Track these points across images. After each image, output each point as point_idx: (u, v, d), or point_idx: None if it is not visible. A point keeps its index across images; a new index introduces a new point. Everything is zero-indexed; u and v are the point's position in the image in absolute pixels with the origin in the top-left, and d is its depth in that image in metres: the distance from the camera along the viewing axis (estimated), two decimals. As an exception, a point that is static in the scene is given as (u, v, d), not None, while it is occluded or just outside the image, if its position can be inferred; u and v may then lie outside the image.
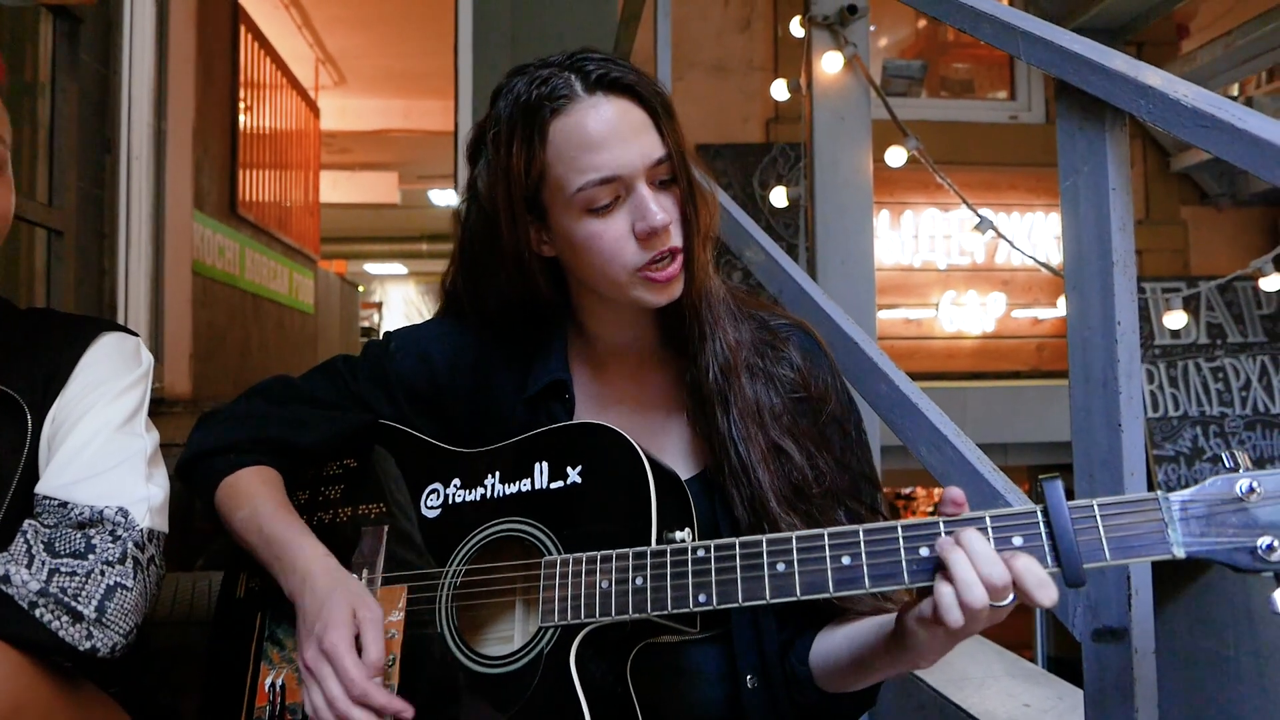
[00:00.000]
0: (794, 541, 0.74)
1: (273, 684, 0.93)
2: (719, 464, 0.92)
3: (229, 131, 4.59)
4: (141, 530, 0.81)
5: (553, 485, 0.87)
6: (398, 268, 12.73)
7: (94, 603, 0.75)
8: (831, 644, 0.90)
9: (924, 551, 0.71)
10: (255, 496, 0.93)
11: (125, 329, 0.94)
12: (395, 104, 7.80)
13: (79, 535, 0.78)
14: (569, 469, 0.87)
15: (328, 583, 0.85)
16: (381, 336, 1.07)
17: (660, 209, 0.87)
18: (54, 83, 2.34)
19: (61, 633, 0.74)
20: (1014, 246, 2.77)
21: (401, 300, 12.87)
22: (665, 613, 0.77)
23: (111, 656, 0.77)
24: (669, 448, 0.97)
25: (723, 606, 0.75)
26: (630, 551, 0.80)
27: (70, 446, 0.83)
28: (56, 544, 0.77)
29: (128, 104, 2.54)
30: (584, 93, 0.88)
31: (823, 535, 0.73)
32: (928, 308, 4.13)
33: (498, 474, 0.91)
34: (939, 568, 0.69)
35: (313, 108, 6.45)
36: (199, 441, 0.99)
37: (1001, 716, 1.71)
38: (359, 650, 0.81)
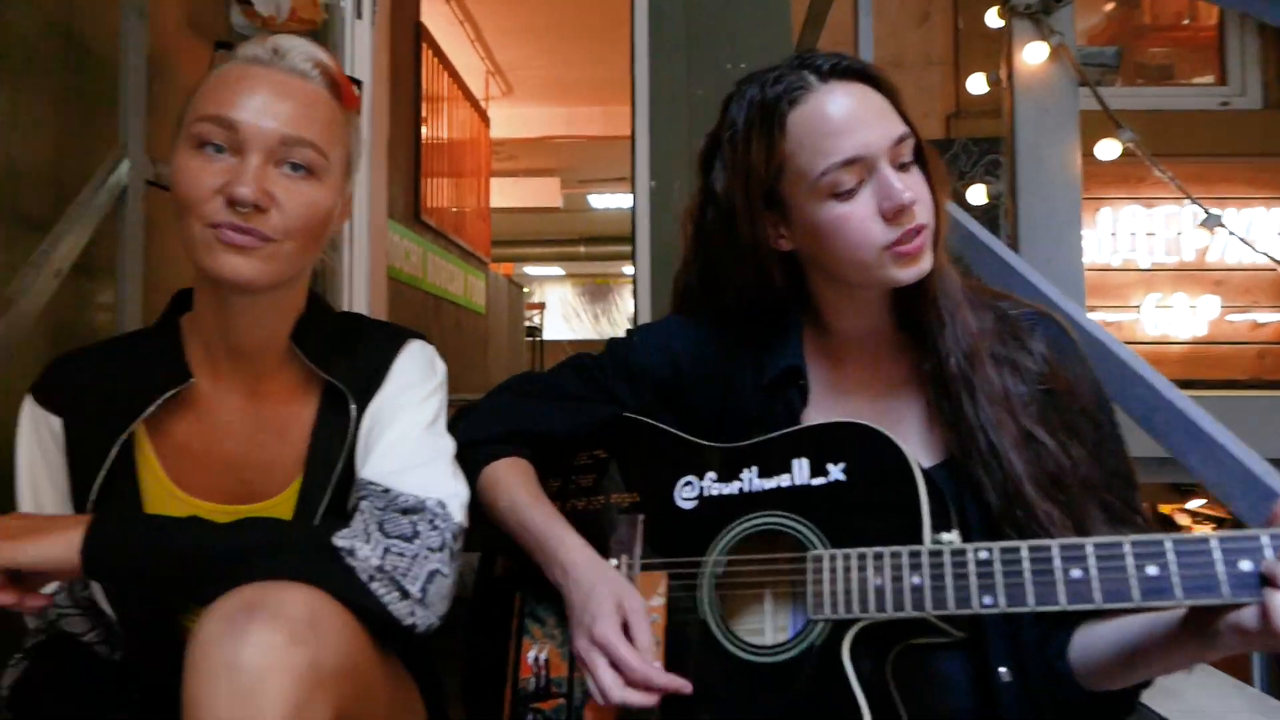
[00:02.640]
0: (1089, 548, 0.72)
1: (536, 658, 0.98)
2: (966, 451, 0.90)
3: (413, 143, 4.89)
4: (456, 523, 0.88)
5: (815, 482, 0.88)
6: (556, 270, 13.15)
7: (418, 584, 0.82)
8: (1095, 639, 0.86)
9: (1245, 565, 0.67)
10: (514, 488, 0.99)
11: (423, 337, 1.02)
12: (558, 112, 8.07)
13: (405, 520, 0.85)
14: (830, 466, 0.88)
15: (590, 575, 0.90)
16: (625, 332, 1.12)
17: (905, 186, 0.87)
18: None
19: (391, 607, 0.81)
20: (1247, 244, 2.55)
21: (559, 301, 13.29)
22: (945, 612, 0.76)
23: (425, 635, 0.84)
24: (908, 436, 0.97)
25: (1013, 610, 0.73)
26: (904, 550, 0.80)
27: (389, 440, 0.91)
28: (387, 525, 0.84)
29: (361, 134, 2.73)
30: (819, 82, 0.91)
31: (1122, 543, 0.71)
32: (1128, 310, 3.86)
33: (755, 469, 0.93)
34: (1266, 582, 0.65)
35: (484, 118, 6.77)
36: (459, 433, 1.06)
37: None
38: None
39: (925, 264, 0.90)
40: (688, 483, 0.97)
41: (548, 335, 9.74)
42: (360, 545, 0.82)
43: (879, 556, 0.81)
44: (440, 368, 1.02)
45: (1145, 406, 1.07)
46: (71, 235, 1.36)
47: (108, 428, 0.89)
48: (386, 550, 0.82)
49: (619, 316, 13.53)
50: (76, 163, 1.71)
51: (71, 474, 0.92)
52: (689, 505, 0.96)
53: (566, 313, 13.34)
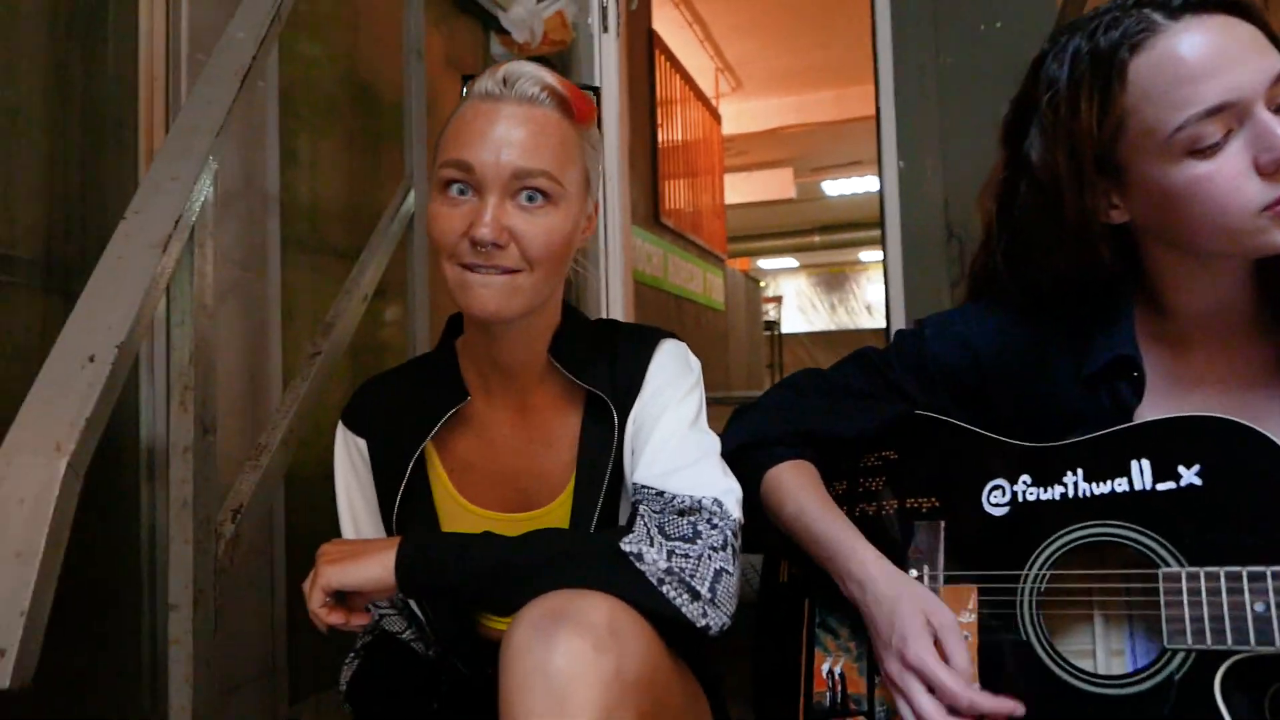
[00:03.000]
0: None
1: (830, 671, 0.93)
2: None
3: (650, 147, 5.00)
4: (734, 520, 0.86)
5: (1160, 487, 0.76)
6: (789, 262, 12.98)
7: (706, 584, 0.81)
8: None
9: None
10: (800, 493, 0.95)
11: (675, 336, 1.02)
12: (788, 101, 7.94)
13: (685, 521, 0.84)
14: (1181, 469, 0.75)
15: (892, 589, 0.84)
16: (913, 324, 1.04)
17: None
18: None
19: (684, 609, 0.80)
20: None
21: (795, 293, 13.10)
22: (1361, 649, 0.62)
23: (719, 635, 0.82)
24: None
25: None
26: (1295, 570, 0.66)
27: (655, 443, 0.91)
28: (667, 528, 0.84)
29: (602, 145, 2.85)
30: (1168, 20, 0.78)
31: None
32: None
33: (1080, 471, 0.82)
34: None
35: (715, 115, 6.80)
36: (737, 434, 1.03)
37: None
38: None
39: None
40: (997, 486, 0.88)
41: (785, 328, 9.62)
42: (646, 549, 0.81)
43: (1258, 577, 0.68)
44: (695, 364, 1.00)
45: None
46: (374, 262, 1.50)
47: (403, 447, 0.97)
48: (671, 553, 0.81)
49: (857, 305, 13.10)
50: (368, 196, 1.90)
51: (378, 492, 1.00)
52: (1000, 511, 0.87)
53: (803, 304, 13.12)
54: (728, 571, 0.83)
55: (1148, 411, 0.84)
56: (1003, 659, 0.81)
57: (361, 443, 1.01)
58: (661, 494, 0.87)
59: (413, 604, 0.99)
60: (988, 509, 0.88)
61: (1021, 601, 0.82)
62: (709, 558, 0.82)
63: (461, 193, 0.86)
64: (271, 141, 1.61)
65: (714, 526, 0.84)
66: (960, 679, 0.76)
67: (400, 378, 1.06)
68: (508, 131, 0.86)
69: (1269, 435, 0.72)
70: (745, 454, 1.01)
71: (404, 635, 1.05)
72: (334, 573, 0.83)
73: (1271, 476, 0.70)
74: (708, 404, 1.06)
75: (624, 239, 3.54)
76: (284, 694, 1.56)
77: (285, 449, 1.24)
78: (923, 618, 0.81)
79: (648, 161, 4.98)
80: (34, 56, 1.30)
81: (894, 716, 0.86)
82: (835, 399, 1.02)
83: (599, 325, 1.04)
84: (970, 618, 0.85)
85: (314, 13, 1.79)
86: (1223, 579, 0.69)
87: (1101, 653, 0.82)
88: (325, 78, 1.83)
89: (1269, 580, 0.67)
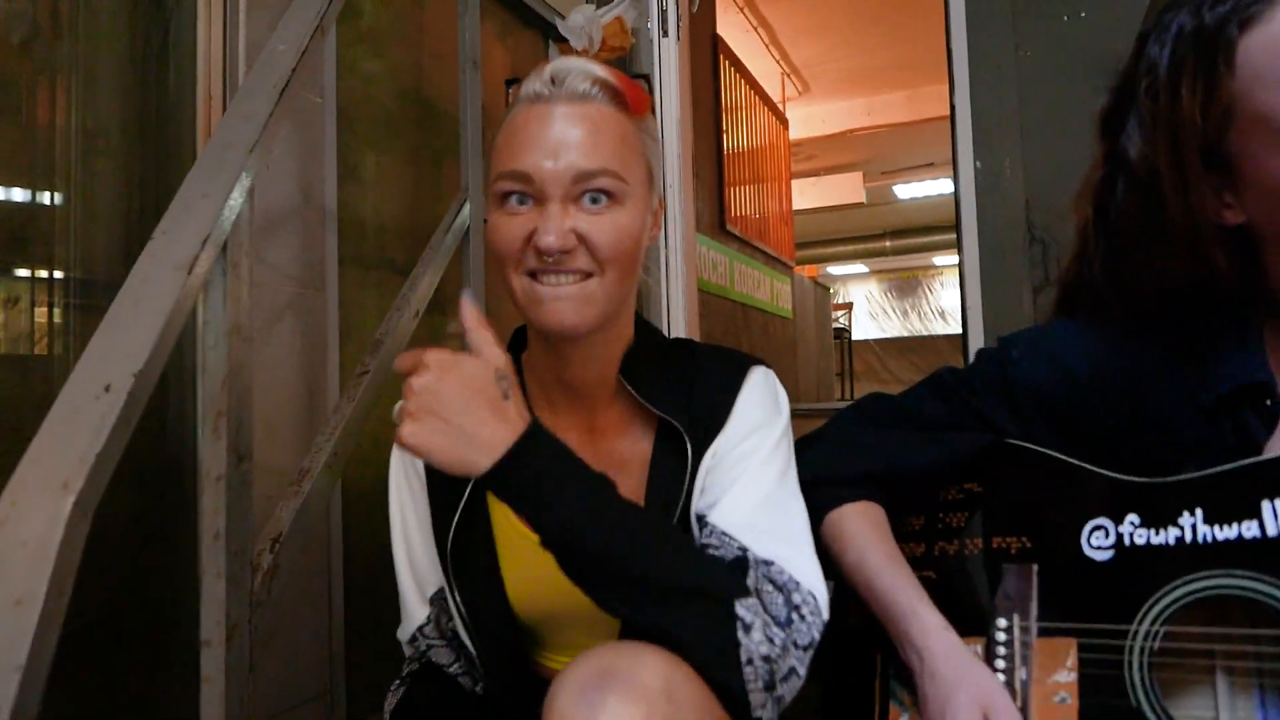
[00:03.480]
0: None
1: (909, 729, 0.84)
2: None
3: (715, 155, 4.92)
4: (823, 622, 0.76)
5: (1299, 533, 0.65)
6: (860, 268, 12.71)
7: (779, 678, 0.72)
8: None
9: None
10: (861, 541, 0.86)
11: (762, 362, 0.94)
12: (857, 104, 7.76)
13: (781, 600, 0.75)
14: (1325, 512, 0.64)
15: (951, 672, 0.75)
16: (997, 342, 0.94)
17: None
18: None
19: (752, 695, 0.71)
20: None
21: (865, 299, 12.81)
22: None
23: None
24: None
25: None
26: None
27: (740, 489, 0.82)
28: (764, 598, 0.74)
29: (660, 144, 2.80)
30: None
31: None
32: None
33: (1199, 512, 0.71)
34: None
35: (782, 120, 6.68)
36: (800, 469, 0.95)
37: None
38: None
39: None
40: (1099, 527, 0.77)
41: (856, 335, 9.40)
42: (756, 624, 0.72)
43: None
44: (784, 402, 0.91)
45: None
46: (427, 276, 1.46)
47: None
48: (768, 637, 0.72)
49: (930, 310, 12.74)
50: (428, 211, 1.88)
51: (432, 515, 0.95)
52: (1103, 556, 0.76)
53: (874, 310, 12.81)
54: (798, 674, 0.74)
55: (1279, 447, 0.72)
56: (1109, 726, 0.71)
57: (419, 462, 0.96)
58: (745, 550, 0.78)
59: (462, 635, 0.93)
60: (1089, 552, 0.77)
61: (1130, 661, 0.72)
62: (789, 652, 0.73)
63: (521, 202, 0.80)
64: (329, 157, 1.59)
65: (806, 622, 0.75)
66: None
67: None
68: (563, 132, 0.80)
69: None
70: (809, 491, 0.92)
71: (451, 669, 0.99)
72: (413, 438, 0.71)
73: None
74: (810, 436, 0.97)
75: (688, 247, 3.47)
76: (340, 715, 1.53)
77: (330, 473, 1.20)
78: (979, 707, 0.72)
79: (713, 169, 4.90)
80: (111, 78, 1.31)
81: None
82: (909, 429, 0.92)
83: (675, 346, 0.95)
84: (1069, 677, 0.74)
85: (374, 28, 1.78)
86: (1385, 648, 0.58)
87: (1224, 699, 0.71)
88: (385, 93, 1.81)
89: None
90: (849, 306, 7.90)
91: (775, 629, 0.72)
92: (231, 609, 0.91)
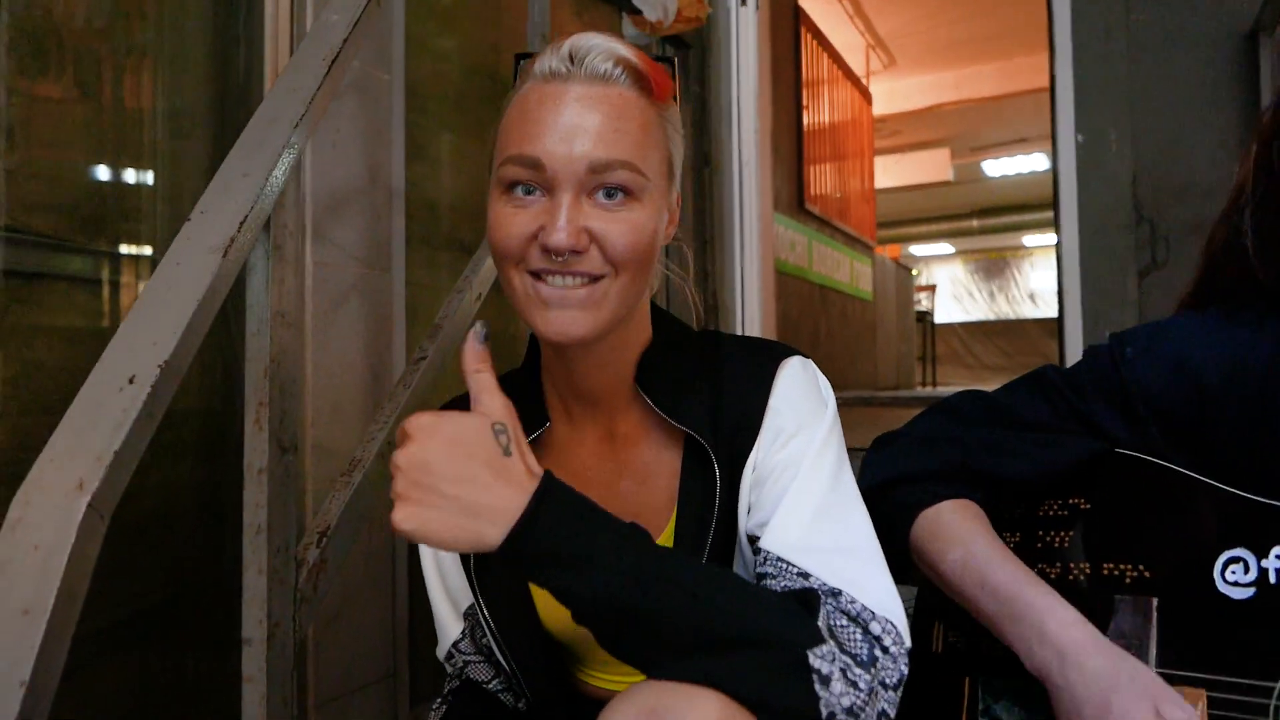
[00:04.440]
0: None
1: (1000, 773, 0.75)
2: None
3: (795, 131, 4.76)
4: (907, 651, 0.67)
5: None
6: (944, 248, 12.26)
7: None
8: None
9: None
10: (970, 536, 0.76)
11: (799, 352, 0.83)
12: (945, 77, 7.43)
13: (860, 635, 0.65)
14: None
15: (1107, 664, 0.65)
16: (1109, 339, 0.82)
17: None
18: (671, 114, 2.57)
19: None
20: None
21: (950, 280, 12.37)
22: None
23: None
24: None
25: None
26: None
27: (789, 505, 0.72)
28: (839, 633, 0.65)
29: (735, 118, 2.71)
30: None
31: None
32: None
33: (1365, 548, 0.60)
34: None
35: (865, 95, 6.44)
36: (881, 467, 0.85)
37: None
38: None
39: None
40: (1236, 559, 0.66)
41: (939, 318, 9.06)
42: (836, 675, 0.62)
43: None
44: (828, 393, 0.80)
45: None
46: (489, 259, 1.41)
47: None
48: (851, 683, 0.62)
49: (1019, 293, 12.22)
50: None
51: None
52: (1242, 595, 0.65)
53: (958, 292, 12.35)
54: (888, 716, 0.65)
55: None
56: (1245, 794, 0.61)
57: None
58: (808, 576, 0.68)
59: (496, 652, 0.88)
60: (1223, 588, 0.66)
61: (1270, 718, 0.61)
62: (878, 696, 0.64)
63: (528, 193, 0.72)
64: (397, 135, 1.56)
65: (891, 658, 0.65)
66: None
67: None
68: (580, 117, 0.71)
69: None
70: (891, 491, 0.83)
71: (490, 685, 0.94)
72: (406, 523, 0.62)
73: None
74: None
75: (764, 227, 3.36)
76: (405, 696, 1.53)
77: (383, 461, 1.16)
78: (1151, 706, 0.62)
79: (792, 145, 4.74)
80: (191, 60, 1.30)
81: None
82: (1006, 429, 0.82)
83: (699, 343, 0.85)
84: (1196, 731, 0.64)
85: (444, 4, 1.73)
86: None
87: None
88: (455, 70, 1.77)
89: None
90: (932, 288, 7.61)
91: (858, 671, 0.63)
92: (274, 606, 0.87)
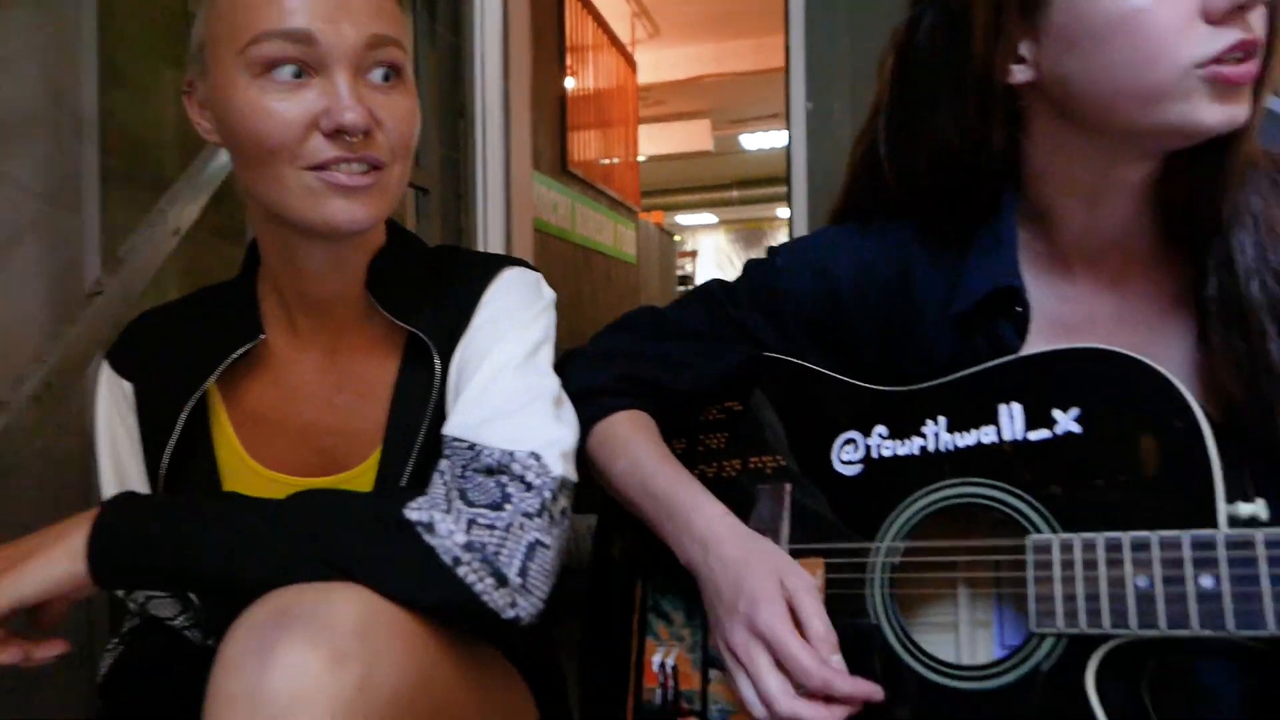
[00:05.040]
0: None
1: (662, 664, 0.79)
2: (1264, 408, 0.61)
3: (558, 92, 4.76)
4: (555, 478, 0.70)
5: (1033, 436, 0.63)
6: (708, 217, 12.84)
7: (516, 563, 0.65)
8: None
9: None
10: (634, 445, 0.80)
11: (526, 264, 0.85)
12: (707, 49, 7.72)
13: (491, 482, 0.68)
14: (1057, 413, 0.62)
15: (740, 550, 0.70)
16: (765, 251, 0.88)
17: None
18: (416, 49, 2.47)
19: (486, 597, 0.64)
20: None
21: (712, 249, 12.97)
22: (1263, 634, 0.49)
23: (530, 625, 0.66)
24: None
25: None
26: (1186, 538, 0.53)
27: (476, 385, 0.75)
28: (470, 492, 0.68)
29: (480, 71, 2.65)
30: None
31: None
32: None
33: (942, 420, 0.68)
34: None
35: (630, 63, 6.54)
36: (564, 383, 0.87)
37: None
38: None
39: (1244, 106, 0.60)
40: (849, 441, 0.73)
41: (700, 282, 9.49)
42: (440, 517, 0.64)
43: (1142, 545, 0.55)
44: (546, 294, 0.83)
45: None
46: (190, 191, 1.28)
47: (177, 393, 0.78)
48: (472, 522, 0.65)
49: (778, 262, 13.07)
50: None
51: (144, 445, 0.81)
52: (851, 471, 0.73)
53: (720, 260, 13.00)
54: (543, 544, 0.67)
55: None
56: (850, 646, 0.67)
57: (128, 386, 0.82)
58: (472, 447, 0.71)
59: None
60: (838, 468, 0.73)
61: (871, 578, 0.68)
62: (520, 528, 0.66)
63: (297, 75, 0.65)
64: (87, 57, 1.36)
65: (528, 487, 0.68)
66: (813, 655, 0.62)
67: (184, 310, 0.87)
68: None
69: (1164, 372, 0.58)
70: (574, 404, 0.85)
71: (176, 622, 0.86)
72: (6, 585, 0.63)
73: (1163, 422, 0.57)
74: (571, 350, 0.90)
75: (521, 185, 3.33)
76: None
77: (39, 405, 1.03)
78: (776, 579, 0.67)
79: (556, 109, 4.74)
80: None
81: (730, 716, 0.72)
82: (675, 342, 0.86)
83: (434, 254, 0.85)
84: (816, 597, 0.71)
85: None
86: (1101, 548, 0.56)
87: (966, 638, 0.69)
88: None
89: (1154, 549, 0.54)
90: (694, 254, 7.95)
91: (490, 515, 0.65)
92: None
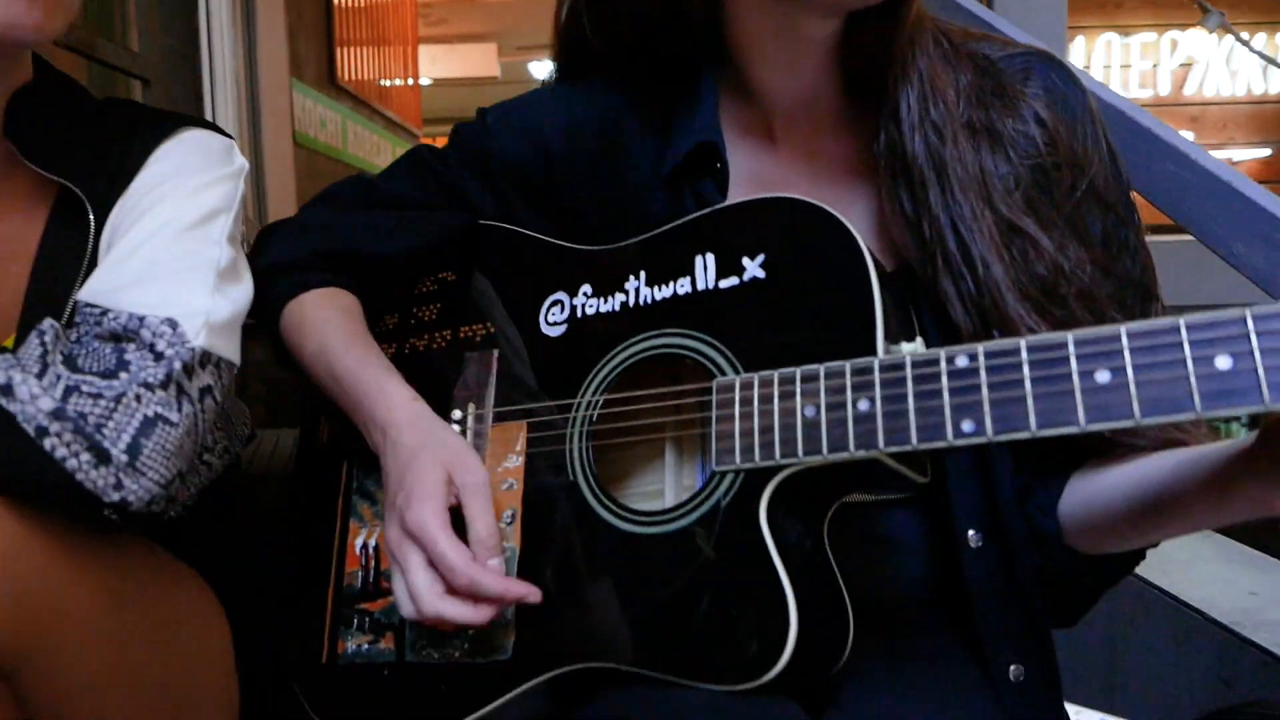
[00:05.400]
0: (1124, 338, 0.47)
1: (364, 546, 0.74)
2: (928, 255, 0.65)
3: (323, 2, 4.39)
4: (194, 349, 0.62)
5: (723, 284, 0.62)
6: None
7: (124, 439, 0.56)
8: (1099, 488, 0.64)
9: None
10: (324, 326, 0.73)
11: (218, 129, 0.74)
12: (490, -34, 7.41)
13: (109, 350, 0.59)
14: (745, 260, 0.62)
15: (414, 438, 0.65)
16: (476, 112, 0.83)
17: None
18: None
19: (80, 475, 0.55)
20: (1254, 51, 2.25)
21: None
22: (904, 448, 0.52)
23: (147, 512, 0.58)
24: None
25: (1004, 437, 0.49)
26: (847, 365, 0.55)
27: (124, 246, 0.65)
28: (79, 358, 0.58)
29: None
30: None
31: (1177, 326, 0.46)
32: (1100, 146, 3.60)
33: (643, 274, 0.67)
34: None
35: (406, -25, 6.15)
36: (255, 258, 0.79)
37: (1225, 606, 1.42)
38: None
39: None
40: (556, 302, 0.71)
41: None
42: (21, 379, 0.55)
43: (810, 378, 0.56)
44: (237, 161, 0.74)
45: (1174, 186, 0.80)
46: None
47: None
48: (71, 390, 0.56)
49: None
50: None
51: None
52: (557, 331, 0.70)
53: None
54: (166, 421, 0.59)
55: None
56: (552, 507, 0.66)
57: None
58: (104, 313, 0.61)
59: None
60: (545, 330, 0.71)
61: (572, 435, 0.66)
62: (137, 400, 0.57)
63: None
64: None
65: (157, 357, 0.60)
66: (463, 553, 0.60)
67: None
68: None
69: (839, 217, 0.60)
70: (264, 282, 0.77)
71: None
72: None
73: (836, 264, 0.58)
74: (270, 225, 0.81)
75: (277, 94, 3.05)
76: None
77: None
78: (442, 473, 0.63)
79: (319, 16, 4.35)
80: None
81: None
82: (380, 210, 0.79)
83: (105, 105, 0.74)
84: (517, 461, 0.68)
85: None
86: (776, 383, 0.57)
87: (673, 488, 0.69)
88: None
89: (821, 380, 0.55)
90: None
91: (100, 384, 0.57)
92: None
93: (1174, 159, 0.80)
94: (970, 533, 0.66)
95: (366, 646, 0.70)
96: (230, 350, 0.67)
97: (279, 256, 0.77)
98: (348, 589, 0.73)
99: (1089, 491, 0.65)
